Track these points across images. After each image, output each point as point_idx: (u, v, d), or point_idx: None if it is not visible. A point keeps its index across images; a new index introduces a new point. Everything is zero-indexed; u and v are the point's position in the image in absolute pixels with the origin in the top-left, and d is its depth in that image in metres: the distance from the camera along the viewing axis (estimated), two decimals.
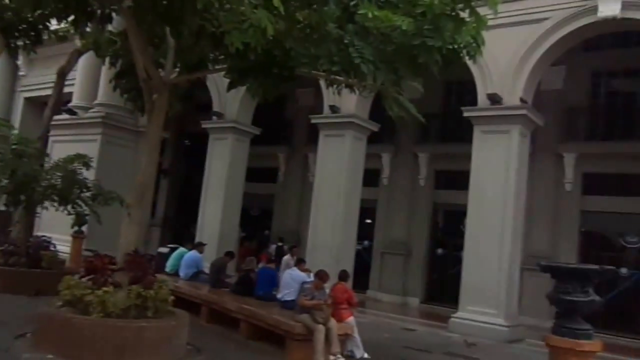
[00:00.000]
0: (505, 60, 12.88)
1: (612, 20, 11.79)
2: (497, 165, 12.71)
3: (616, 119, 15.79)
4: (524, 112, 12.72)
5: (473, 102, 13.66)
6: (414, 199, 18.50)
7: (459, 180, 15.48)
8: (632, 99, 15.72)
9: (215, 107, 18.20)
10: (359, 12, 5.91)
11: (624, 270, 15.38)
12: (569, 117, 16.05)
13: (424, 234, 18.41)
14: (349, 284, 9.91)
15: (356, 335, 9.07)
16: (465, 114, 13.38)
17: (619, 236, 15.72)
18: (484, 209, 12.75)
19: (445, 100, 18.45)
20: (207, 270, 13.11)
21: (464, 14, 6.24)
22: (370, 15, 5.81)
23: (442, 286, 17.91)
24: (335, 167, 15.05)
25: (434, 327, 13.40)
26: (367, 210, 17.94)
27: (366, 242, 19.31)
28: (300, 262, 11.01)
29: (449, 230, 18.56)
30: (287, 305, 9.42)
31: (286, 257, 13.96)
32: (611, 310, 15.23)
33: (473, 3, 6.26)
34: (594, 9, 11.90)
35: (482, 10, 6.65)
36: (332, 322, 8.25)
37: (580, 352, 6.38)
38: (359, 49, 6.11)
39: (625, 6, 11.56)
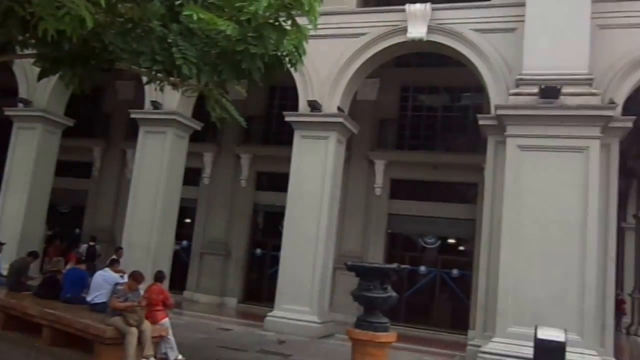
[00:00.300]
0: (325, 70, 13.73)
1: (419, 42, 13.22)
2: (315, 169, 13.49)
3: (421, 130, 17.71)
4: (340, 120, 13.67)
5: (295, 107, 14.33)
6: (235, 199, 18.78)
7: (279, 182, 16.09)
8: (435, 113, 17.74)
9: (22, 94, 16.62)
10: (184, 12, 5.96)
11: (422, 269, 17.33)
12: (381, 126, 17.63)
13: (244, 235, 18.78)
14: (165, 285, 9.81)
15: (171, 336, 9.03)
16: (287, 119, 13.99)
17: (420, 237, 17.66)
18: (301, 210, 13.45)
19: (269, 103, 19.02)
20: (5, 272, 11.98)
21: (288, 25, 6.62)
22: (195, 17, 5.89)
23: (260, 286, 18.45)
24: (155, 164, 14.68)
25: (250, 327, 13.79)
26: (186, 209, 17.80)
27: (185, 242, 19.12)
28: (113, 263, 10.62)
29: (268, 231, 19.16)
30: (98, 308, 9.04)
31: None
32: (411, 304, 17.09)
33: (295, 13, 6.65)
34: (405, 30, 13.24)
35: (306, 21, 7.12)
36: (146, 325, 8.12)
37: (378, 343, 7.20)
38: (183, 50, 6.15)
39: (430, 30, 13.05)
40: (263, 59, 6.51)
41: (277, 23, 6.44)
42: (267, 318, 13.25)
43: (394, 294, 7.21)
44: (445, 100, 17.77)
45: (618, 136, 11.52)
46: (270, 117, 18.96)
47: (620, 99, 11.59)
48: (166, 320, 9.08)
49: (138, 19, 6.17)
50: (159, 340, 8.71)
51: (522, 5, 12.18)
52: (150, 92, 14.66)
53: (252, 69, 6.43)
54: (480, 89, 13.74)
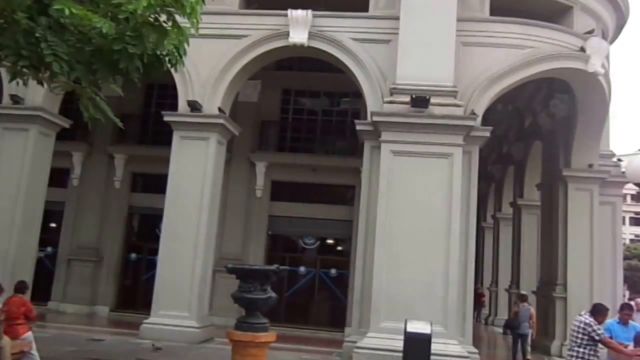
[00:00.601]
0: (206, 71, 13.61)
1: (300, 47, 13.55)
2: (195, 170, 13.33)
3: (301, 133, 18.11)
4: (221, 121, 13.63)
5: (174, 106, 14.05)
6: (108, 201, 17.98)
7: (156, 183, 15.70)
8: (315, 117, 18.22)
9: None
10: (55, 6, 5.69)
11: (302, 269, 17.71)
12: (262, 128, 17.80)
13: (118, 239, 18.05)
14: (27, 296, 9.19)
15: (34, 352, 8.51)
16: (166, 119, 13.69)
17: (300, 238, 18.05)
18: (180, 212, 13.22)
19: (146, 101, 18.46)
20: None
21: (168, 25, 6.54)
22: (67, 12, 5.65)
23: (135, 292, 17.83)
24: (16, 164, 13.60)
25: (125, 335, 13.30)
26: (52, 213, 16.78)
27: (50, 249, 17.98)
28: None
29: (144, 234, 18.57)
30: None
31: None
32: (290, 305, 17.40)
33: (176, 12, 6.59)
34: (287, 34, 13.50)
35: (187, 21, 7.04)
36: (5, 340, 7.61)
37: (258, 343, 7.33)
38: (53, 46, 5.85)
39: (311, 36, 13.42)
40: (142, 58, 6.39)
41: (157, 23, 6.36)
42: (143, 325, 12.86)
43: (273, 294, 7.37)
44: (325, 104, 18.33)
45: (478, 144, 12.59)
46: (147, 116, 18.39)
47: (480, 110, 12.68)
48: (29, 334, 8.54)
49: (0, 10, 5.80)
50: (21, 356, 8.20)
51: (397, 18, 12.93)
52: (9, 86, 13.57)
53: (130, 68, 6.29)
54: (358, 94, 14.34)
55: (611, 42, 16.23)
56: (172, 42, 6.83)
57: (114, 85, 7.03)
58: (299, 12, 13.47)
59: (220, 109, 13.62)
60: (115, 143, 18.00)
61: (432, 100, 12.01)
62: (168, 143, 13.88)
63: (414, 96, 11.96)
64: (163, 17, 6.46)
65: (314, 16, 13.50)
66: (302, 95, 18.53)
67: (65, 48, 6.00)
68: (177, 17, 6.76)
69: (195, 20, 6.24)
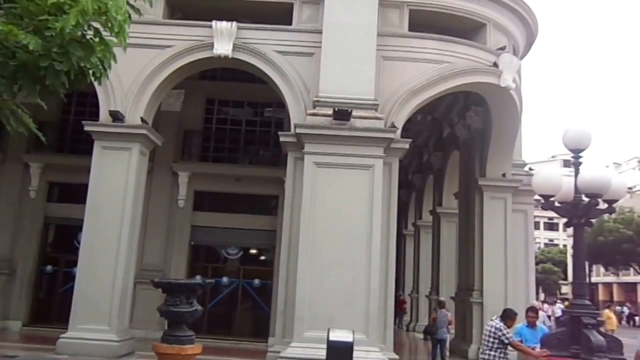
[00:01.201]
0: (129, 80, 13.68)
1: (225, 58, 13.90)
2: (116, 181, 13.35)
3: (225, 143, 18.41)
4: (144, 131, 13.74)
5: (94, 113, 14.01)
6: (22, 211, 17.54)
7: (74, 193, 15.53)
8: (239, 127, 18.58)
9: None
10: None
11: (225, 280, 17.97)
12: (185, 138, 17.95)
13: (32, 251, 17.63)
14: None
15: None
16: (87, 128, 13.62)
17: (223, 249, 18.31)
18: (101, 224, 13.19)
19: (64, 109, 18.16)
20: None
21: (95, 39, 6.77)
22: None
23: (50, 306, 17.47)
24: None
25: (40, 351, 13.12)
26: None
27: None
28: None
29: (61, 246, 18.24)
30: None
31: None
32: (213, 316, 17.61)
33: (103, 29, 6.83)
34: (211, 46, 13.81)
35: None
36: None
37: (184, 355, 7.66)
38: None
39: (236, 48, 13.80)
40: (68, 74, 6.60)
41: (84, 40, 6.59)
42: (60, 340, 12.72)
43: (199, 307, 7.73)
44: (248, 114, 18.72)
45: (398, 155, 13.41)
46: (65, 124, 18.12)
47: (400, 122, 13.51)
48: None
49: None
50: None
51: (320, 32, 13.56)
52: None
53: (56, 84, 6.48)
54: (281, 104, 14.84)
55: (522, 58, 17.60)
56: (97, 56, 7.06)
57: (38, 99, 7.15)
58: (224, 24, 13.82)
59: (142, 119, 13.73)
60: (31, 151, 17.59)
61: (354, 113, 12.68)
62: (86, 152, 13.82)
63: (336, 109, 12.58)
64: (90, 33, 6.68)
65: (239, 28, 13.89)
66: (226, 105, 18.85)
67: None
68: (104, 32, 7.02)
69: (123, 39, 6.52)
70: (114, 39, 6.94)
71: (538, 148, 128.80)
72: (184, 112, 17.96)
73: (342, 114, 12.56)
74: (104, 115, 13.69)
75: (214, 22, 13.84)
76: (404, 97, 13.57)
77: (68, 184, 17.36)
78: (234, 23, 13.86)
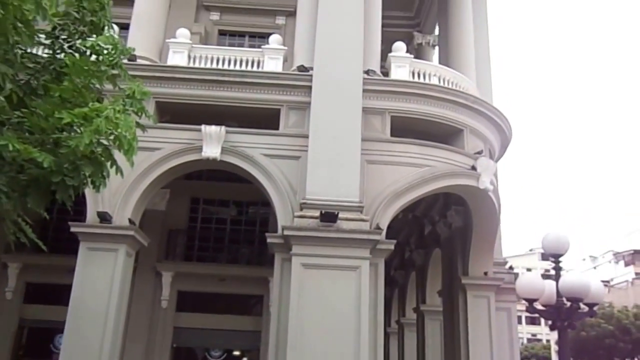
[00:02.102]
0: (117, 182, 14.03)
1: (213, 161, 14.54)
2: (101, 283, 13.46)
3: (209, 242, 18.72)
4: (131, 232, 14.05)
5: (78, 212, 14.27)
6: None
7: (54, 294, 15.51)
8: (223, 226, 18.97)
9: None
10: (0, 142, 6.30)
11: None
12: (170, 237, 18.24)
13: (4, 356, 17.22)
14: None
15: None
16: (73, 229, 13.88)
17: (206, 351, 18.14)
18: (83, 328, 13.14)
19: (47, 210, 18.35)
20: None
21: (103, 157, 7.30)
22: (11, 147, 6.29)
23: None
24: None
25: None
26: None
27: None
28: None
29: (36, 350, 17.87)
30: None
31: None
32: None
33: (112, 146, 7.36)
34: (200, 148, 14.48)
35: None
36: None
37: None
38: None
39: (224, 151, 14.49)
40: (76, 188, 7.05)
41: (93, 155, 7.10)
42: None
43: None
44: (233, 213, 19.19)
45: (383, 256, 13.88)
46: (45, 223, 18.22)
47: (385, 224, 14.08)
48: None
49: None
50: None
51: (306, 137, 14.36)
52: None
53: (64, 198, 6.91)
54: (266, 203, 15.34)
55: (498, 160, 18.61)
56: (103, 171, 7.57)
57: (43, 212, 7.53)
58: (213, 128, 14.57)
59: (130, 220, 14.08)
60: (9, 251, 17.62)
61: (340, 215, 13.24)
62: (69, 252, 13.98)
63: (323, 211, 13.14)
64: (99, 150, 7.20)
65: (227, 132, 14.62)
66: (211, 203, 19.33)
67: (4, 180, 6.57)
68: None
69: (131, 157, 7.04)
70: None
71: (516, 241, 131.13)
72: (168, 211, 18.34)
73: (328, 216, 13.10)
74: (91, 215, 14.01)
75: (203, 126, 14.58)
76: (388, 199, 14.22)
77: (47, 285, 17.31)
78: (223, 127, 14.61)
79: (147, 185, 14.42)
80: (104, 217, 13.82)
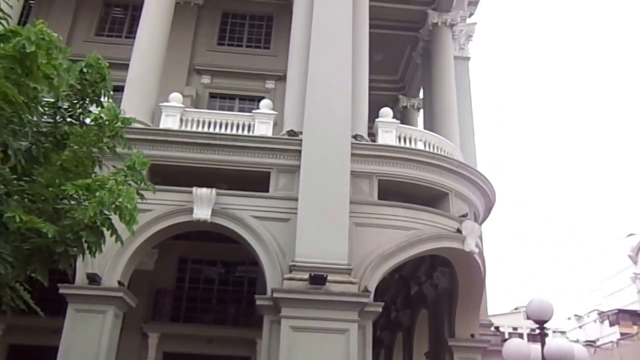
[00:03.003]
0: (108, 243, 14.11)
1: (204, 222, 14.81)
2: (89, 345, 13.39)
3: (197, 303, 18.73)
4: (120, 294, 14.13)
5: (63, 273, 14.30)
6: None
7: (37, 356, 15.36)
8: (211, 286, 19.03)
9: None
10: (8, 214, 6.57)
11: None
12: (157, 297, 18.24)
13: None
14: None
15: None
16: (62, 291, 13.92)
17: None
18: None
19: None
20: None
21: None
22: (18, 219, 6.56)
23: None
24: None
25: None
26: None
27: None
28: None
29: None
30: None
31: None
32: None
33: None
34: (191, 210, 14.76)
35: None
36: None
37: None
38: None
39: (215, 213, 14.79)
40: (76, 257, 7.29)
41: (95, 225, 7.37)
42: None
43: None
44: (221, 273, 19.28)
45: (371, 318, 14.09)
46: (31, 283, 18.16)
47: (373, 286, 14.35)
48: None
49: None
50: None
51: (296, 199, 14.73)
52: None
53: (66, 267, 7.15)
54: (254, 263, 15.55)
55: (482, 222, 19.09)
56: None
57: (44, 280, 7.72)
58: (204, 190, 14.90)
59: (119, 282, 14.18)
60: None
61: (329, 277, 13.49)
62: (52, 312, 13.89)
63: (312, 274, 13.39)
64: (100, 219, 7.47)
65: (218, 194, 14.97)
66: (199, 263, 19.44)
67: (9, 249, 6.80)
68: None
69: (132, 226, 7.32)
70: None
71: (501, 299, 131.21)
72: (156, 271, 18.39)
73: (317, 279, 13.34)
74: (80, 277, 14.08)
75: (194, 189, 14.91)
76: (375, 261, 14.53)
77: (32, 347, 17.09)
78: (214, 190, 14.95)
79: (137, 246, 14.60)
80: (93, 279, 13.92)
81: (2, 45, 5.93)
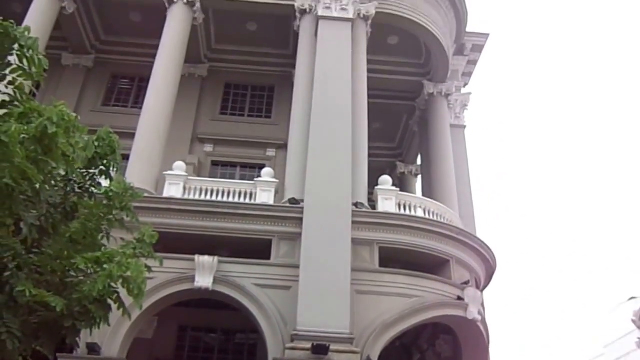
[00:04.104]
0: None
1: (205, 290, 14.77)
2: None
3: None
4: None
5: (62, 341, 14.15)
6: None
7: None
8: (211, 355, 18.71)
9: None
10: (18, 289, 6.62)
11: None
12: None
13: None
14: None
15: None
16: None
17: None
18: None
19: None
20: None
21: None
22: (28, 293, 6.61)
23: None
24: None
25: None
26: None
27: None
28: None
29: None
30: None
31: None
32: None
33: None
34: (193, 278, 14.77)
35: None
36: None
37: None
38: (8, 323, 6.65)
39: (216, 281, 14.79)
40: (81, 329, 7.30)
41: (103, 298, 7.42)
42: None
43: None
44: (221, 341, 18.99)
45: None
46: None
47: (375, 355, 14.20)
48: None
49: None
50: None
51: (297, 267, 14.77)
52: None
53: (72, 341, 7.15)
54: (255, 330, 15.40)
55: (484, 289, 19.03)
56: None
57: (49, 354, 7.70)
58: (206, 258, 14.95)
59: (119, 353, 14.01)
60: None
61: (332, 347, 13.36)
62: None
63: (314, 344, 13.27)
64: (109, 291, 7.52)
65: (219, 262, 15.02)
66: (199, 331, 19.16)
67: (17, 323, 6.81)
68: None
69: (139, 300, 7.37)
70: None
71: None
72: (155, 339, 18.11)
73: (320, 349, 13.21)
74: (81, 347, 13.91)
75: (196, 256, 14.97)
76: (378, 330, 14.43)
77: None
78: (215, 257, 15.01)
79: (138, 315, 14.47)
80: (93, 349, 13.77)
81: (25, 127, 6.16)
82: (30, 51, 6.71)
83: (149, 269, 8.32)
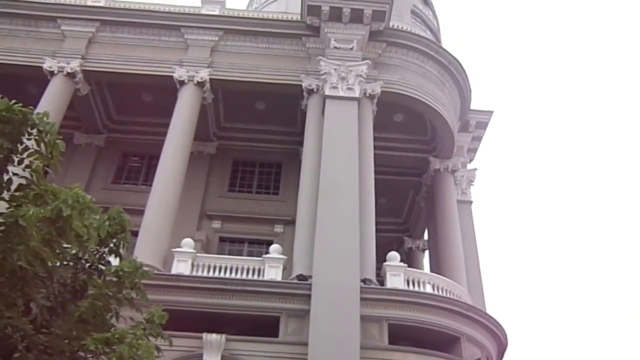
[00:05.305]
0: None
1: None
2: None
3: None
4: None
5: None
6: None
7: None
8: None
9: None
10: None
11: None
12: None
13: None
14: None
15: None
16: None
17: None
18: None
19: None
20: None
21: None
22: None
23: None
24: None
25: None
26: None
27: None
28: None
29: None
30: None
31: None
32: None
33: None
34: (200, 356, 14.54)
35: None
36: None
37: None
38: None
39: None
40: None
41: None
42: None
43: None
44: None
45: None
46: None
47: None
48: None
49: None
50: None
51: (305, 344, 14.53)
52: None
53: None
54: None
55: None
56: None
57: None
58: (213, 337, 14.76)
59: None
60: None
61: None
62: None
63: None
64: None
65: (227, 340, 14.81)
66: None
67: None
68: None
69: None
70: None
71: None
72: None
73: None
74: None
75: (204, 335, 14.77)
76: None
77: None
78: (223, 335, 14.80)
79: None
80: None
81: (41, 211, 6.28)
82: (48, 135, 6.94)
83: (159, 350, 8.26)
